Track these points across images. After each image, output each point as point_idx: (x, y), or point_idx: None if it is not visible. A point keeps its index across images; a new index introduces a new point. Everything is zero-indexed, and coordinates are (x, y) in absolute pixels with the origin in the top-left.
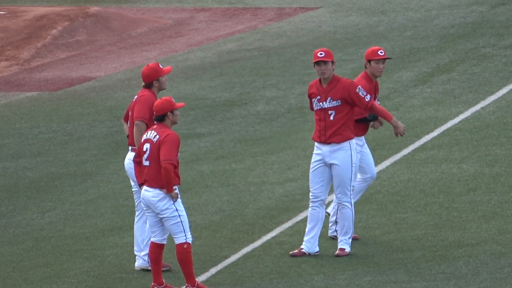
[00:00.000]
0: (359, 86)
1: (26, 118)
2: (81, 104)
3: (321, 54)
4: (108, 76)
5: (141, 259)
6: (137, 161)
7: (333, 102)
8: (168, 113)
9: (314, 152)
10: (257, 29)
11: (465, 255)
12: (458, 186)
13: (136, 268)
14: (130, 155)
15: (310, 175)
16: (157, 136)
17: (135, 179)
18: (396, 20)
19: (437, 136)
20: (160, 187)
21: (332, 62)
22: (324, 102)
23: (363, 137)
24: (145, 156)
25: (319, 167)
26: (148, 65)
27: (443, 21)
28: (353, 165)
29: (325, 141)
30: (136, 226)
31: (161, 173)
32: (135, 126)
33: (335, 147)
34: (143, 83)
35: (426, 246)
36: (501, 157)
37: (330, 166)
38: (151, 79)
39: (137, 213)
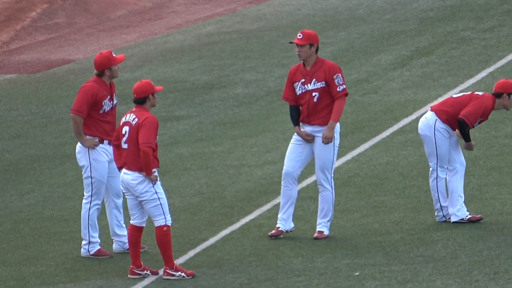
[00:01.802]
0: (339, 74)
1: (5, 100)
2: (60, 86)
3: (299, 36)
4: (87, 58)
5: (115, 243)
6: (116, 144)
7: (317, 83)
8: (150, 95)
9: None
10: (236, 12)
11: (444, 238)
12: None
13: (114, 250)
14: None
15: (287, 152)
16: (136, 119)
17: (87, 165)
18: (376, 3)
19: (416, 119)
20: (139, 170)
21: (311, 45)
22: (309, 84)
23: (449, 131)
24: (124, 139)
25: (298, 145)
26: (101, 52)
27: (422, 4)
28: (335, 148)
29: (308, 122)
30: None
31: (140, 156)
32: (72, 120)
33: (317, 128)
34: (95, 71)
35: (405, 229)
36: (479, 141)
37: (310, 147)
38: (103, 67)
39: (85, 194)
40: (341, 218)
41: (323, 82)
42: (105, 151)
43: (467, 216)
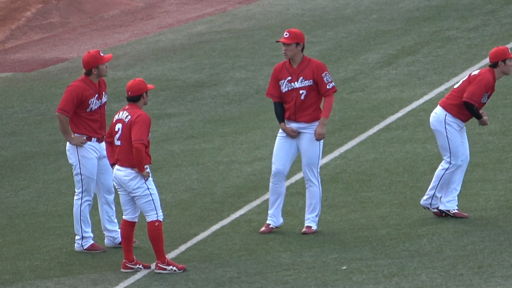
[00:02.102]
0: (327, 72)
1: (0, 98)
2: (54, 84)
3: (286, 35)
4: (80, 57)
5: (106, 238)
6: (109, 141)
7: (305, 81)
8: (144, 94)
9: (280, 130)
10: (226, 12)
11: (429, 233)
12: (422, 166)
13: (106, 244)
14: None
15: (275, 150)
16: (129, 117)
17: (76, 163)
18: (363, 3)
19: (402, 116)
20: (131, 166)
21: (297, 43)
22: (296, 82)
23: (460, 123)
24: (117, 136)
25: (285, 141)
26: (89, 52)
27: (408, 4)
28: (321, 143)
29: (295, 119)
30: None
31: (132, 153)
32: (57, 118)
33: (303, 125)
34: (83, 70)
35: (391, 224)
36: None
37: (297, 143)
38: (91, 66)
39: (76, 191)
40: (328, 213)
41: (311, 80)
42: (93, 148)
43: (454, 209)
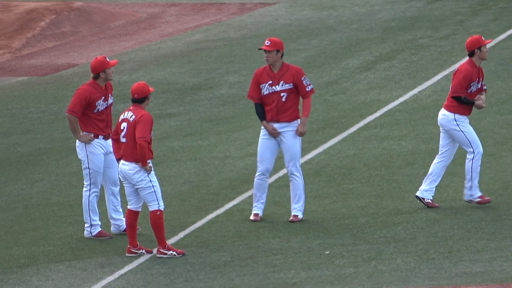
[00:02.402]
0: (305, 76)
1: (17, 100)
2: (65, 87)
3: (267, 43)
4: (89, 63)
5: (112, 225)
6: (115, 138)
7: (285, 85)
8: (148, 95)
9: (262, 130)
10: (221, 22)
11: (404, 221)
12: (398, 161)
13: (112, 231)
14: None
15: (261, 150)
16: (133, 116)
17: (85, 159)
18: (344, 14)
19: (380, 116)
20: (135, 161)
21: (278, 50)
22: (277, 86)
23: (466, 117)
24: (122, 134)
25: (269, 142)
26: (96, 57)
27: (385, 15)
28: (300, 140)
29: (277, 120)
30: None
31: (136, 149)
32: (67, 118)
33: (284, 124)
34: (91, 74)
35: (369, 213)
36: (436, 135)
37: (278, 141)
38: (98, 71)
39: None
40: (313, 203)
41: (291, 84)
42: (100, 145)
43: (429, 199)
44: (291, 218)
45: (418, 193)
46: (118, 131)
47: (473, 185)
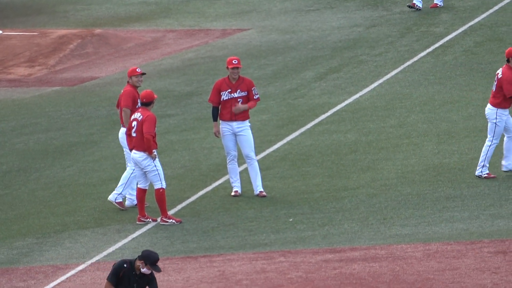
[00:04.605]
0: (255, 87)
1: (52, 104)
2: (89, 95)
3: (235, 61)
4: (107, 76)
5: (128, 200)
6: (128, 133)
7: (241, 93)
8: (153, 100)
9: (223, 127)
10: (208, 44)
11: (349, 195)
12: (344, 149)
13: (126, 205)
14: (122, 131)
15: (226, 142)
16: (141, 116)
17: (126, 146)
18: (302, 37)
19: (330, 115)
20: (143, 150)
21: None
22: (235, 93)
23: (507, 109)
24: (133, 130)
25: (230, 136)
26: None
27: (334, 37)
28: (251, 135)
29: (234, 119)
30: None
31: (144, 141)
32: (123, 112)
33: (240, 122)
34: (127, 80)
35: (323, 190)
36: (373, 129)
37: (235, 136)
38: (128, 75)
39: (129, 164)
40: (279, 182)
41: (246, 92)
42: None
43: (485, 173)
44: (258, 193)
45: (503, 168)
46: (130, 127)
47: (484, 164)
